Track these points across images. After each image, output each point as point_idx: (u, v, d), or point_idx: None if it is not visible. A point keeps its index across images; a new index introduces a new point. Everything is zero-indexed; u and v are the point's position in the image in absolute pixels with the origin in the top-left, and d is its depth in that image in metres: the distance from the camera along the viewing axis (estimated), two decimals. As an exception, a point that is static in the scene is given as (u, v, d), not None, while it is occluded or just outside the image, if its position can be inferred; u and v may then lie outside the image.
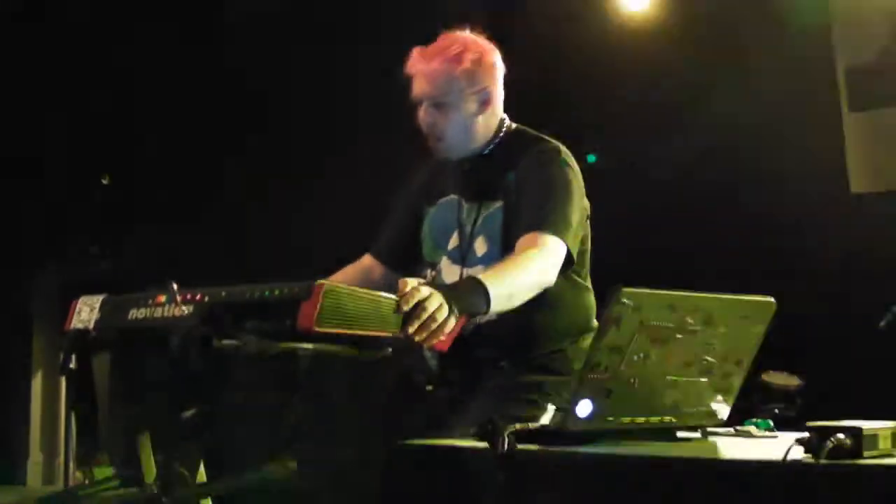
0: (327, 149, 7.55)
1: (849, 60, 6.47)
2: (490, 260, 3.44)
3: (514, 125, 3.65)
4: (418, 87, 3.53)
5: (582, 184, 3.53)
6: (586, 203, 3.56)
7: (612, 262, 3.71)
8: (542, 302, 3.33)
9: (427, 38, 3.57)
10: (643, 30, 6.93)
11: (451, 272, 3.54)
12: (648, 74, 6.79)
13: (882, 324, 4.85)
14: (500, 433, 2.43)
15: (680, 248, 6.59)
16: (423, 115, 3.54)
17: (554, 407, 3.31)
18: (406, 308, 2.80)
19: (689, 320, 2.51)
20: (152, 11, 7.40)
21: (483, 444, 2.48)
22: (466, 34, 3.58)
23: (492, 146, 3.60)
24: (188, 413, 2.68)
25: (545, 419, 3.21)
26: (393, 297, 2.80)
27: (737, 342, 2.64)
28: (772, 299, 2.67)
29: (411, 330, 2.81)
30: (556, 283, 3.34)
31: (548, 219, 3.35)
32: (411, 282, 2.89)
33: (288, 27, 7.39)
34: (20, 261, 12.42)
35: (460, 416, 3.30)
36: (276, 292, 2.61)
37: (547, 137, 3.60)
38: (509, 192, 3.49)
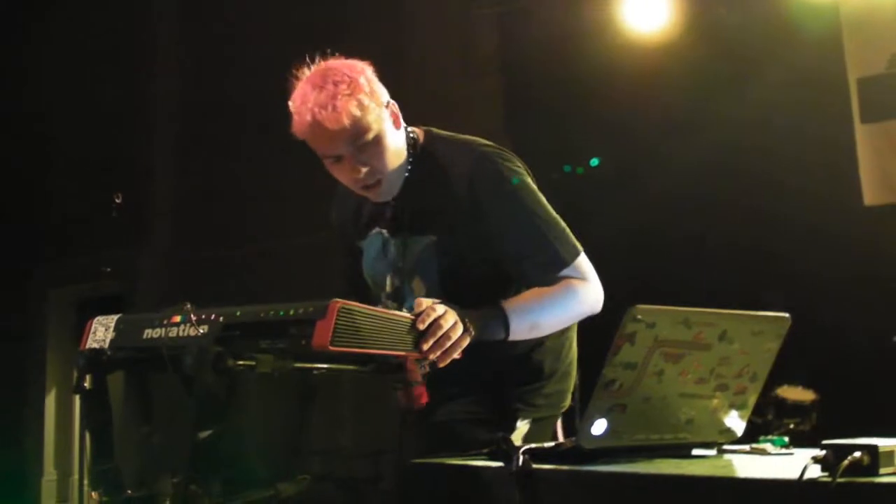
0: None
1: (860, 71, 6.45)
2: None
3: (421, 133, 3.34)
4: (330, 143, 3.12)
5: (529, 177, 3.27)
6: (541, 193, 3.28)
7: (622, 274, 3.68)
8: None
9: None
10: (655, 44, 6.92)
11: None
12: (661, 88, 6.78)
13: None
14: (515, 452, 2.43)
15: (691, 261, 6.59)
16: (348, 167, 3.17)
17: (526, 421, 3.27)
18: (422, 326, 2.80)
19: (704, 336, 2.51)
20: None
21: (497, 463, 2.49)
22: (334, 63, 3.18)
23: (409, 166, 3.29)
24: (202, 433, 2.67)
25: (518, 434, 3.19)
26: (408, 315, 2.80)
27: (751, 358, 2.64)
28: (786, 315, 2.66)
29: (426, 348, 2.80)
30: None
31: (558, 253, 3.18)
32: (426, 301, 2.88)
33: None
34: (34, 281, 12.48)
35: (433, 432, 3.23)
36: (291, 312, 2.61)
37: (471, 141, 3.31)
38: (443, 218, 3.22)
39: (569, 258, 3.20)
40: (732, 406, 2.68)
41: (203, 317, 2.69)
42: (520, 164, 3.30)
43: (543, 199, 3.26)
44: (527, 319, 3.11)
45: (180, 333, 2.71)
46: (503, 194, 3.20)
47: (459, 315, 2.88)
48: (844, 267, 6.20)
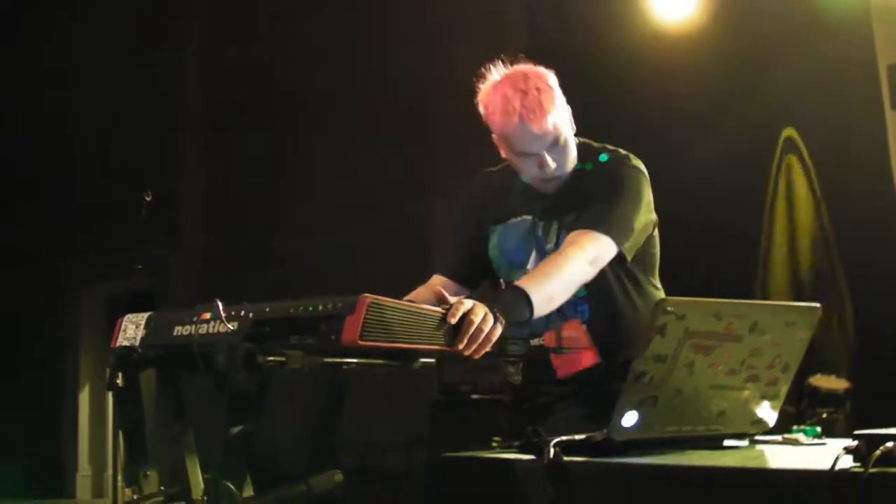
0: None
1: (891, 57, 6.41)
2: None
3: (578, 139, 3.62)
4: (533, 145, 3.45)
5: (650, 192, 3.53)
6: (653, 216, 3.57)
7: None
8: (613, 312, 3.44)
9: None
10: (682, 34, 6.89)
11: None
12: (688, 78, 6.75)
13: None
14: (546, 445, 2.43)
15: (715, 252, 6.56)
16: (542, 164, 3.47)
17: None
18: (453, 321, 2.80)
19: (735, 328, 2.51)
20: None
21: (528, 456, 2.48)
22: (522, 66, 3.54)
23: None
24: (235, 429, 2.68)
25: None
26: (437, 309, 2.80)
27: (783, 348, 2.63)
28: (817, 305, 2.66)
29: (460, 345, 2.81)
30: (627, 291, 3.47)
31: (605, 219, 3.36)
32: (452, 297, 2.89)
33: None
34: (67, 279, 12.55)
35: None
36: (320, 307, 2.61)
37: (614, 148, 3.61)
38: (583, 202, 3.47)
39: (604, 228, 3.34)
40: (764, 397, 2.67)
41: (233, 313, 2.70)
42: (645, 171, 3.55)
43: (644, 195, 3.50)
44: (543, 294, 3.15)
45: (210, 330, 2.72)
46: (615, 165, 3.54)
47: (489, 306, 2.89)
48: (877, 256, 6.16)
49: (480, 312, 2.86)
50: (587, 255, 3.31)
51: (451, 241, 3.82)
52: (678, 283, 3.28)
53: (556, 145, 3.45)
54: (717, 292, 2.55)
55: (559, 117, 3.44)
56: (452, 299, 2.88)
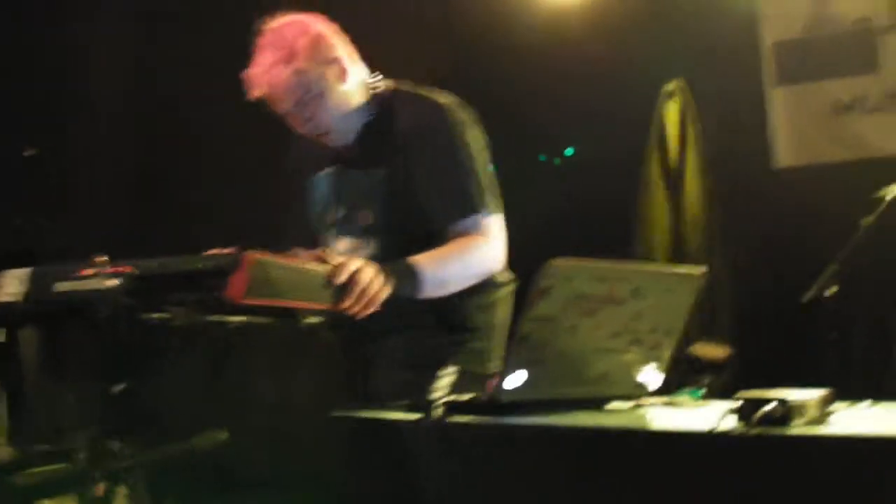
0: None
1: (776, 35, 6.50)
2: (377, 230, 3.37)
3: (392, 85, 3.53)
4: (277, 101, 3.39)
5: (477, 132, 3.43)
6: (486, 153, 3.45)
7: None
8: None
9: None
10: (575, 16, 6.88)
11: (341, 245, 3.45)
12: (582, 60, 6.74)
13: (807, 297, 4.89)
14: (433, 404, 2.43)
15: (610, 226, 6.61)
16: (297, 121, 3.42)
17: (455, 367, 3.24)
18: (340, 280, 2.79)
19: (619, 291, 2.52)
20: None
21: (415, 415, 2.49)
22: (282, 20, 3.44)
23: (371, 111, 3.48)
24: (117, 386, 2.65)
25: (445, 382, 3.18)
26: (324, 267, 2.79)
27: (666, 313, 2.66)
28: (702, 269, 2.69)
29: (347, 303, 2.80)
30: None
31: (470, 198, 3.29)
32: (340, 256, 2.88)
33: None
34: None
35: (368, 382, 3.32)
36: (204, 264, 2.59)
37: (429, 94, 3.49)
38: (394, 157, 3.37)
39: (478, 208, 3.28)
40: (647, 360, 2.70)
41: (116, 269, 2.66)
42: (465, 113, 3.44)
43: (481, 154, 3.39)
44: (435, 275, 3.14)
45: (93, 286, 2.67)
46: (433, 123, 3.37)
47: (378, 267, 2.89)
48: (757, 227, 6.27)
49: (369, 272, 2.86)
50: (492, 243, 3.30)
51: (288, 214, 3.72)
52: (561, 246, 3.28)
53: (304, 102, 3.36)
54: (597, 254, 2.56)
55: (301, 75, 3.34)
56: (338, 258, 2.87)
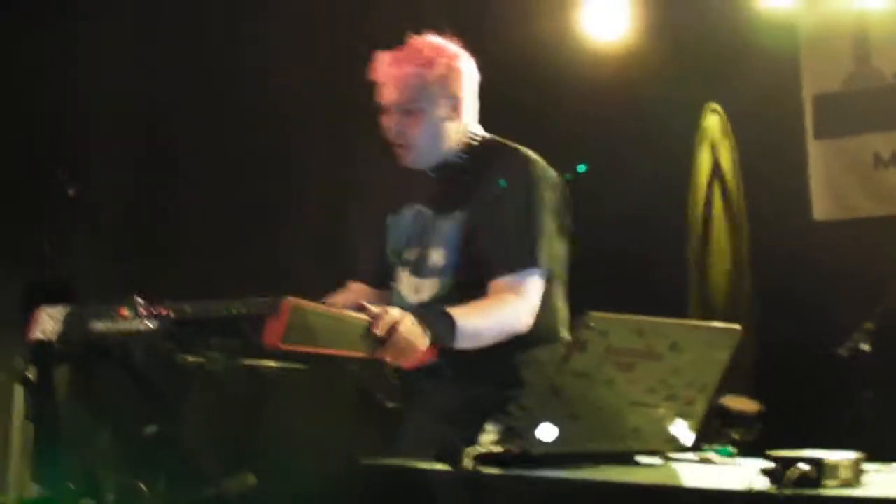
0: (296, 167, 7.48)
1: (816, 88, 6.49)
2: (447, 271, 3.38)
3: (487, 135, 3.56)
4: (387, 94, 3.44)
5: (556, 195, 3.43)
6: (565, 217, 3.47)
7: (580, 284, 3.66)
8: None
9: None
10: (612, 57, 6.89)
11: (407, 283, 3.46)
12: (616, 101, 6.76)
13: (842, 350, 4.86)
14: (462, 456, 2.43)
15: (645, 274, 6.58)
16: (390, 121, 3.45)
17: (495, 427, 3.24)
18: (380, 333, 2.80)
19: (656, 346, 2.52)
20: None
21: (444, 466, 2.48)
22: (437, 39, 3.50)
23: (460, 155, 3.50)
24: (149, 428, 2.66)
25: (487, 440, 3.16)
26: (362, 316, 2.79)
27: (701, 368, 2.65)
28: (737, 326, 2.68)
29: (388, 354, 2.81)
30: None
31: (522, 255, 3.29)
32: (377, 307, 2.88)
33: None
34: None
35: (406, 433, 3.29)
36: (242, 309, 2.59)
37: (519, 147, 3.50)
38: (475, 202, 3.38)
39: (526, 265, 3.27)
40: (680, 415, 2.69)
41: (153, 311, 2.66)
42: (550, 173, 3.45)
43: (547, 204, 3.38)
44: (469, 328, 3.12)
45: (129, 328, 2.68)
46: (515, 176, 3.38)
47: (416, 318, 2.89)
48: (793, 280, 6.23)
49: (408, 323, 2.86)
50: (524, 303, 3.26)
51: (364, 247, 3.77)
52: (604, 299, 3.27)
53: (407, 109, 3.41)
54: (650, 311, 2.55)
55: (426, 85, 3.40)
56: (375, 309, 2.87)
